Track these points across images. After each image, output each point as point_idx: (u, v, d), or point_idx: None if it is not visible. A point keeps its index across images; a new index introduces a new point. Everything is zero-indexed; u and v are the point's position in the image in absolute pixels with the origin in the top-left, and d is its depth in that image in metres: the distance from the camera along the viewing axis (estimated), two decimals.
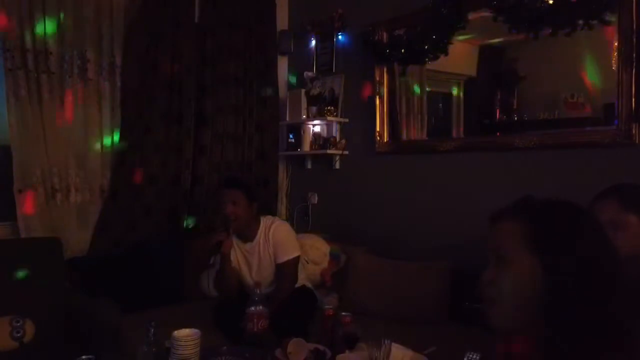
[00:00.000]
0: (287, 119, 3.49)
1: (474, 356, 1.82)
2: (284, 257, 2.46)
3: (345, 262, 2.88)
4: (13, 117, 2.61)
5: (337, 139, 3.30)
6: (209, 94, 3.24)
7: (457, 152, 2.77)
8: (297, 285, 2.53)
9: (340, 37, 3.32)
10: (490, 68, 2.86)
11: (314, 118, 3.32)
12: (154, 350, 1.64)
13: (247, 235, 2.50)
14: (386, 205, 3.06)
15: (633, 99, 2.09)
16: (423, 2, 2.73)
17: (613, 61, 2.21)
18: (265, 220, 2.54)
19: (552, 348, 0.84)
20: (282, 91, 3.61)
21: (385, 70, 3.05)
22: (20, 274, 2.25)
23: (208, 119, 3.24)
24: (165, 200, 3.09)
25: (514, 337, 0.94)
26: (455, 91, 3.03)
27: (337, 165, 3.34)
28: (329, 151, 3.28)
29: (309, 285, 2.65)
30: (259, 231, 2.50)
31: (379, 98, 3.07)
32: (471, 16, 2.62)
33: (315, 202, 3.47)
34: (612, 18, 2.14)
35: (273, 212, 3.40)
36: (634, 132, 2.10)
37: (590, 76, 2.39)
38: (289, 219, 3.50)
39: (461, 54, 2.88)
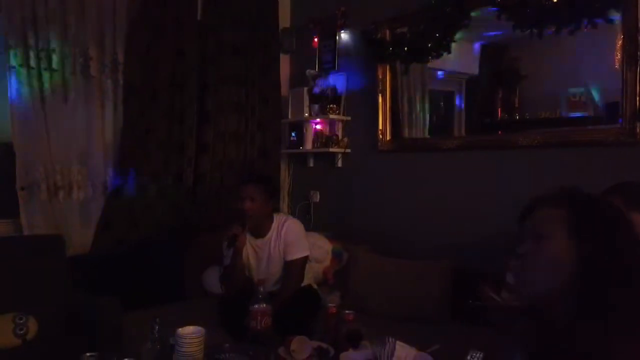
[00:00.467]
0: (290, 117, 3.49)
1: (477, 355, 1.83)
2: (293, 256, 2.47)
3: (347, 260, 2.89)
4: (15, 114, 2.61)
5: (339, 137, 3.30)
6: (211, 92, 3.23)
7: (459, 150, 2.78)
8: (302, 285, 2.53)
9: (342, 35, 3.31)
10: (492, 67, 2.86)
11: (316, 116, 3.32)
12: (159, 347, 1.64)
13: (260, 231, 2.50)
14: (388, 203, 3.06)
15: (637, 98, 2.09)
16: (426, 0, 2.72)
17: (616, 60, 2.21)
18: (278, 218, 2.55)
19: (574, 323, 0.93)
20: (285, 89, 3.60)
21: (387, 68, 3.04)
22: None
23: (210, 117, 3.23)
24: (167, 198, 3.09)
25: None
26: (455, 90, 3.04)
27: (339, 164, 3.34)
28: (331, 149, 3.28)
29: (314, 286, 2.65)
30: (272, 228, 2.51)
31: (382, 96, 3.07)
32: (474, 14, 2.62)
33: (317, 200, 3.47)
34: (617, 16, 2.14)
35: (276, 210, 3.39)
36: (638, 130, 2.10)
37: (593, 75, 2.39)
38: None
39: (463, 53, 2.88)
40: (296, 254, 2.47)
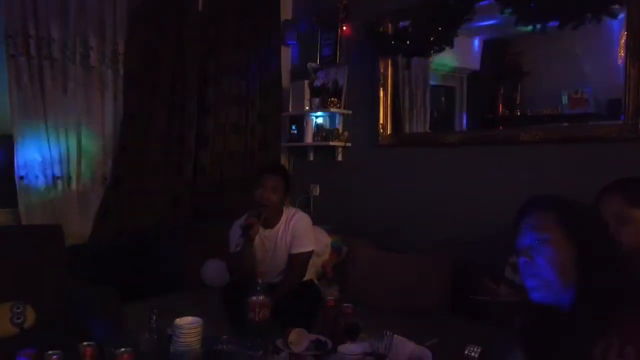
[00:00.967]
0: (290, 110, 3.48)
1: (475, 349, 1.83)
2: (298, 249, 2.47)
3: (347, 253, 2.88)
4: (15, 104, 2.60)
5: (340, 131, 3.29)
6: (212, 84, 3.22)
7: (460, 145, 2.77)
8: (304, 279, 2.53)
9: (344, 28, 3.30)
10: (494, 62, 2.85)
11: (317, 109, 3.30)
12: (156, 337, 1.64)
13: (270, 222, 2.51)
14: (388, 197, 3.06)
15: None
16: None
17: (619, 56, 2.20)
18: (287, 210, 2.56)
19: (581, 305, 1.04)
20: (286, 82, 3.59)
21: (389, 62, 3.03)
22: None
23: (211, 109, 3.22)
24: (167, 190, 3.08)
25: None
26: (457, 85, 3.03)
27: (340, 157, 3.33)
28: (331, 143, 3.27)
29: (316, 281, 2.64)
30: (281, 220, 2.52)
31: (383, 90, 3.05)
32: (477, 8, 2.60)
33: (317, 193, 3.46)
34: (621, 12, 2.12)
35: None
36: None
37: (596, 71, 2.38)
38: None
39: (465, 48, 2.87)
40: (301, 248, 2.48)
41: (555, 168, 2.34)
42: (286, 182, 2.51)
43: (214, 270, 2.90)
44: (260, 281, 2.01)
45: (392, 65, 3.03)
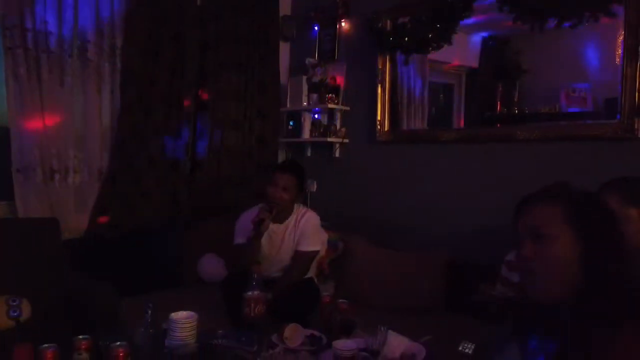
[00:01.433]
0: (288, 105, 3.47)
1: (469, 346, 1.84)
2: (304, 247, 2.49)
3: (343, 250, 2.89)
4: (12, 96, 2.59)
5: (338, 127, 3.29)
6: (210, 79, 3.21)
7: (458, 142, 2.77)
8: (305, 277, 2.53)
9: (343, 24, 3.29)
10: (493, 60, 2.85)
11: (315, 105, 3.30)
12: (151, 331, 1.65)
13: (279, 217, 2.52)
14: (385, 194, 3.06)
15: (637, 93, 2.09)
16: None
17: (617, 55, 2.20)
18: (298, 208, 2.57)
19: (586, 312, 0.94)
20: (284, 77, 3.58)
21: (388, 58, 3.03)
22: None
23: (209, 104, 3.21)
24: (165, 185, 3.08)
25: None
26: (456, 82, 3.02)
27: (337, 154, 3.33)
28: (329, 139, 3.27)
29: (316, 281, 2.65)
30: (291, 216, 2.53)
31: (381, 87, 3.05)
32: (476, 6, 2.60)
33: (314, 190, 3.47)
34: (619, 10, 2.12)
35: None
36: (636, 126, 2.10)
37: (593, 70, 2.39)
38: None
39: (464, 45, 2.87)
40: (308, 246, 2.50)
41: (552, 166, 2.35)
42: (299, 181, 2.51)
43: (211, 266, 2.91)
44: (255, 276, 2.02)
45: (391, 61, 3.03)
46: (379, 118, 3.07)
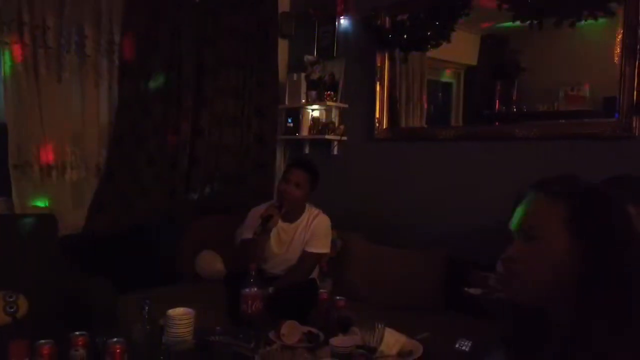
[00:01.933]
0: (286, 103, 3.47)
1: (466, 343, 1.84)
2: (313, 249, 2.49)
3: (341, 247, 2.89)
4: (9, 92, 2.58)
5: (336, 125, 3.28)
6: (208, 76, 3.20)
7: (456, 140, 2.77)
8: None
9: (342, 21, 3.28)
10: (492, 58, 2.85)
11: (313, 103, 3.30)
12: (148, 328, 1.64)
13: (290, 216, 2.52)
14: (383, 192, 3.06)
15: (635, 92, 2.09)
16: None
17: (615, 54, 2.20)
18: (310, 208, 2.57)
19: (577, 325, 0.84)
20: (282, 75, 3.57)
21: (386, 56, 3.02)
22: None
23: (207, 101, 3.21)
24: (162, 182, 3.07)
25: None
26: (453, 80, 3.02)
27: (335, 151, 3.33)
28: (327, 136, 3.26)
29: (318, 282, 2.64)
30: (302, 216, 2.53)
31: (379, 84, 3.05)
32: (475, 3, 2.59)
33: None
34: (618, 9, 2.12)
35: (269, 196, 3.39)
36: (634, 125, 2.10)
37: (592, 69, 2.39)
38: None
39: (462, 43, 2.87)
40: (317, 248, 2.50)
41: (550, 164, 2.35)
42: (312, 179, 2.50)
43: (208, 263, 2.91)
44: (253, 273, 2.02)
45: (389, 59, 3.03)
46: (377, 116, 3.07)
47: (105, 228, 2.84)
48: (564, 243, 0.86)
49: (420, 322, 2.09)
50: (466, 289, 1.82)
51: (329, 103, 3.22)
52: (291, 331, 1.86)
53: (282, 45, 3.59)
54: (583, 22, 2.16)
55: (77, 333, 1.58)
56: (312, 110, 3.37)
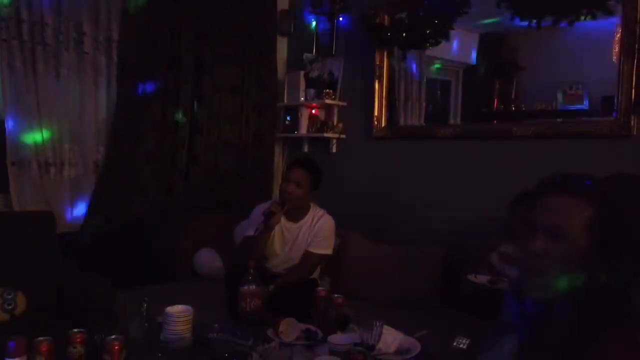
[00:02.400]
0: (285, 100, 3.47)
1: (464, 341, 1.85)
2: (315, 249, 2.49)
3: (339, 245, 2.89)
4: (7, 88, 2.57)
5: (335, 123, 3.28)
6: (207, 73, 3.20)
7: (454, 138, 2.78)
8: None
9: (341, 18, 3.28)
10: (490, 57, 2.85)
11: (312, 100, 3.29)
12: (146, 325, 1.65)
13: (294, 215, 2.52)
14: (382, 190, 3.06)
15: (633, 91, 2.09)
16: None
17: (614, 53, 2.20)
18: (314, 209, 2.57)
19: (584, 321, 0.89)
20: (281, 72, 3.57)
21: (385, 54, 3.02)
22: None
23: (205, 98, 3.20)
24: (161, 179, 3.07)
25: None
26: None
27: (334, 149, 3.33)
28: (326, 134, 3.26)
29: (319, 282, 2.64)
30: (307, 216, 2.53)
31: (378, 82, 3.05)
32: (474, 2, 2.60)
33: None
34: (616, 8, 2.13)
35: (267, 194, 3.39)
36: (632, 123, 2.10)
37: (590, 68, 2.39)
38: None
39: (461, 41, 2.87)
40: (319, 249, 2.50)
41: (548, 163, 2.35)
42: (313, 178, 2.50)
43: (206, 260, 2.91)
44: (252, 271, 2.02)
45: (388, 57, 3.02)
46: (376, 114, 3.07)
47: (102, 224, 2.84)
48: (585, 243, 0.90)
49: (418, 320, 2.10)
50: (469, 277, 1.82)
51: (327, 101, 3.22)
52: (289, 329, 1.87)
53: (281, 43, 3.59)
54: (582, 20, 2.16)
55: (75, 330, 1.58)
56: (311, 108, 3.37)
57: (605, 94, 2.31)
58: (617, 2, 2.11)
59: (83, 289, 2.17)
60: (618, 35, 2.16)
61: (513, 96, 2.72)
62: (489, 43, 2.86)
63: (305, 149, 3.51)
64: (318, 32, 3.41)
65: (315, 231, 2.50)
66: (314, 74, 3.30)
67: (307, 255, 2.49)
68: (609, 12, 2.11)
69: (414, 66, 3.05)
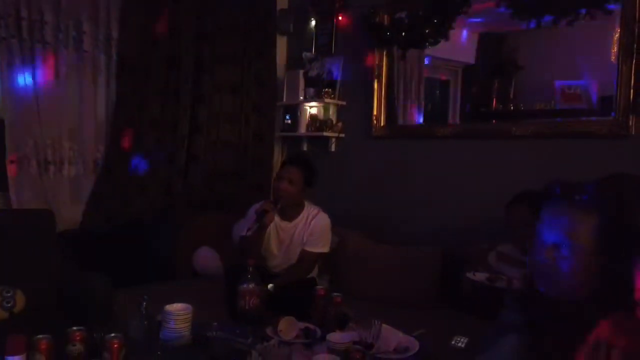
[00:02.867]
0: (284, 100, 3.47)
1: (462, 339, 1.85)
2: (312, 248, 2.49)
3: (338, 244, 2.89)
4: (6, 87, 2.57)
5: (334, 122, 3.29)
6: (206, 72, 3.19)
7: (453, 138, 2.78)
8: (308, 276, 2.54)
9: (340, 18, 3.28)
10: (490, 56, 2.86)
11: (311, 100, 3.30)
12: (146, 323, 1.65)
13: (289, 214, 2.52)
14: (380, 189, 3.07)
15: (631, 91, 2.10)
16: None
17: (612, 53, 2.21)
18: (309, 207, 2.57)
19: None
20: (280, 71, 3.57)
21: (384, 53, 3.03)
22: None
23: (205, 97, 3.20)
24: (160, 178, 3.07)
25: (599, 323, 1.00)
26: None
27: (333, 148, 3.33)
28: (325, 133, 3.26)
29: (317, 282, 2.65)
30: (301, 215, 2.53)
31: (377, 82, 3.05)
32: (474, 1, 2.60)
33: None
34: (615, 8, 2.13)
35: (267, 193, 3.39)
36: (630, 123, 2.11)
37: (589, 68, 2.40)
38: None
39: (461, 41, 2.87)
40: (315, 248, 2.50)
41: (546, 162, 2.36)
42: (306, 175, 2.50)
43: (206, 259, 2.91)
44: (251, 269, 2.02)
45: (387, 56, 3.03)
46: (375, 113, 3.07)
47: (102, 223, 2.84)
48: (593, 247, 0.98)
49: (416, 319, 2.10)
50: (468, 274, 1.83)
51: (327, 100, 3.22)
52: (288, 327, 1.87)
53: (281, 42, 3.59)
54: (581, 20, 2.16)
55: (74, 328, 1.58)
56: (310, 107, 3.37)
57: (604, 94, 2.31)
58: (616, 2, 2.12)
59: (82, 288, 2.17)
60: (617, 35, 2.17)
61: (512, 96, 2.73)
62: (488, 42, 2.86)
63: (305, 148, 3.51)
64: (317, 32, 3.41)
65: (310, 229, 2.50)
66: (313, 73, 3.30)
67: (304, 255, 2.49)
68: (608, 12, 2.12)
69: (414, 66, 3.06)
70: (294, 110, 3.41)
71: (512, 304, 1.84)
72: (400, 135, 3.04)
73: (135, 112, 2.96)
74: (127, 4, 2.88)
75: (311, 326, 1.94)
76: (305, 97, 3.33)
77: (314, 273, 2.62)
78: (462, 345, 1.79)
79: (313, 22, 3.43)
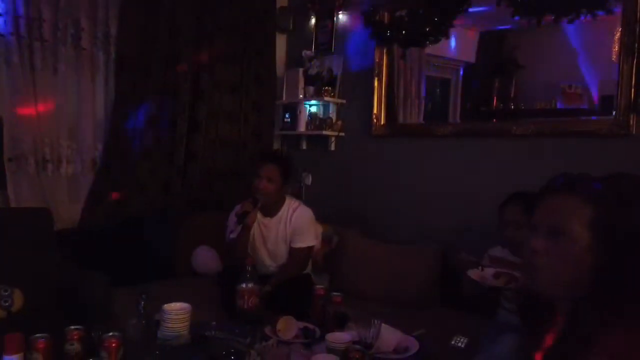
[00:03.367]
0: (284, 98, 3.46)
1: (462, 339, 1.85)
2: (299, 244, 2.49)
3: (338, 243, 2.89)
4: (4, 84, 2.56)
5: (334, 120, 3.28)
6: (205, 70, 3.19)
7: (453, 136, 2.77)
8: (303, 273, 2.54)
9: (340, 16, 3.27)
10: (490, 55, 2.85)
11: (311, 98, 3.29)
12: (144, 322, 1.64)
13: (270, 210, 2.51)
14: (380, 187, 3.06)
15: (632, 90, 2.09)
16: None
17: (614, 52, 2.20)
18: (290, 201, 2.56)
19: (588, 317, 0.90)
20: (280, 70, 3.56)
21: (385, 51, 3.01)
22: None
23: (204, 95, 3.19)
24: (158, 176, 3.06)
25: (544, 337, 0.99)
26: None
27: (333, 147, 3.32)
28: (324, 132, 3.25)
29: (312, 278, 2.64)
30: (282, 210, 2.52)
31: (377, 80, 3.04)
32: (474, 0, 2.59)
33: (309, 183, 3.46)
34: (616, 7, 2.12)
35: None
36: (631, 122, 2.10)
37: (590, 67, 2.39)
38: None
39: (461, 40, 2.86)
40: (302, 243, 2.50)
41: (547, 162, 2.35)
42: (283, 171, 2.49)
43: (204, 258, 2.90)
44: (249, 269, 2.02)
45: (388, 54, 3.01)
46: (375, 111, 3.06)
47: (100, 221, 2.83)
48: (586, 241, 0.91)
49: (416, 319, 2.10)
50: (471, 272, 1.83)
51: (326, 98, 3.21)
52: (287, 327, 1.87)
53: (280, 40, 3.58)
54: (582, 19, 2.15)
55: (72, 327, 1.58)
56: (310, 105, 3.36)
57: (604, 93, 2.30)
58: (617, 1, 2.11)
59: (80, 286, 2.16)
60: (618, 35, 2.16)
61: (512, 95, 2.72)
62: (489, 41, 2.85)
63: (304, 147, 3.51)
64: (317, 30, 3.40)
65: (293, 225, 2.49)
66: (313, 71, 3.29)
67: (293, 252, 2.50)
68: (609, 11, 2.11)
69: (414, 64, 3.05)
70: (294, 108, 3.40)
71: (510, 303, 1.84)
72: (400, 134, 3.03)
73: (134, 110, 2.95)
74: (126, 1, 2.87)
75: (310, 326, 1.94)
76: (304, 96, 3.32)
77: (308, 269, 2.62)
78: (462, 345, 1.79)
79: (313, 20, 3.42)
